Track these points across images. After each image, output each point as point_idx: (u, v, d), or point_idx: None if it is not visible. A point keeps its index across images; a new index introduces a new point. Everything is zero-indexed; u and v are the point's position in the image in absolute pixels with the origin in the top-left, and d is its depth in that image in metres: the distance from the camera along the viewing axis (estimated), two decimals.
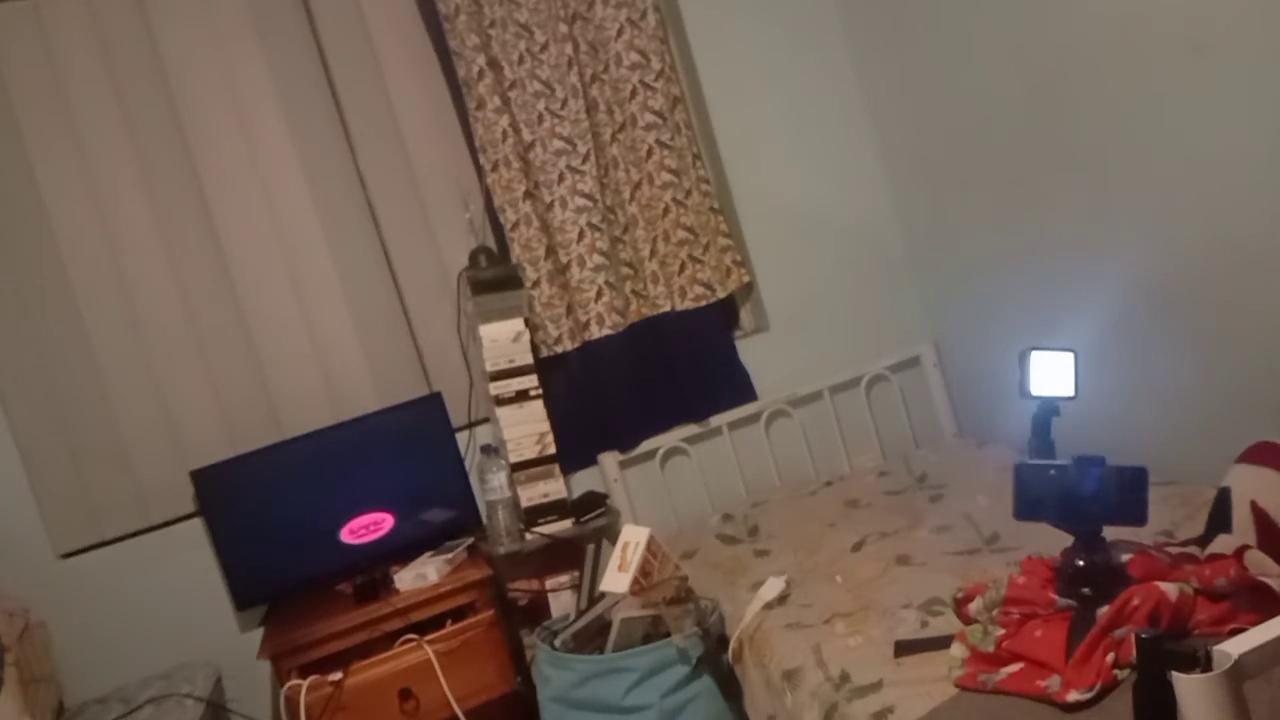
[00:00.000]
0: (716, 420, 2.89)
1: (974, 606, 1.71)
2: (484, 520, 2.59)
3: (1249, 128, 1.87)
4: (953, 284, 2.94)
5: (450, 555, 2.49)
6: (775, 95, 2.96)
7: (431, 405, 2.63)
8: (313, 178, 2.69)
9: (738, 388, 2.93)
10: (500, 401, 2.57)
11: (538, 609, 2.59)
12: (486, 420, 2.75)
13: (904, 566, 2.13)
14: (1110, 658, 1.43)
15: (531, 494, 2.57)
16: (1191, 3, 1.92)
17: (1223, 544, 1.64)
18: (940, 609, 1.85)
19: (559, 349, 2.73)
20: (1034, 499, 1.59)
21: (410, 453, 2.61)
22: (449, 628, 2.37)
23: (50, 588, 2.48)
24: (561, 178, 2.73)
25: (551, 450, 2.59)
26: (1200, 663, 0.96)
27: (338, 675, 2.28)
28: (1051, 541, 1.63)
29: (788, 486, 2.87)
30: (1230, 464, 1.74)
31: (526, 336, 2.60)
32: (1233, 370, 2.04)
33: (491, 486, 2.53)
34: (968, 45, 2.52)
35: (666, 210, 2.83)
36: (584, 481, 2.79)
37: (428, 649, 2.31)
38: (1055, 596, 1.58)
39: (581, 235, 2.74)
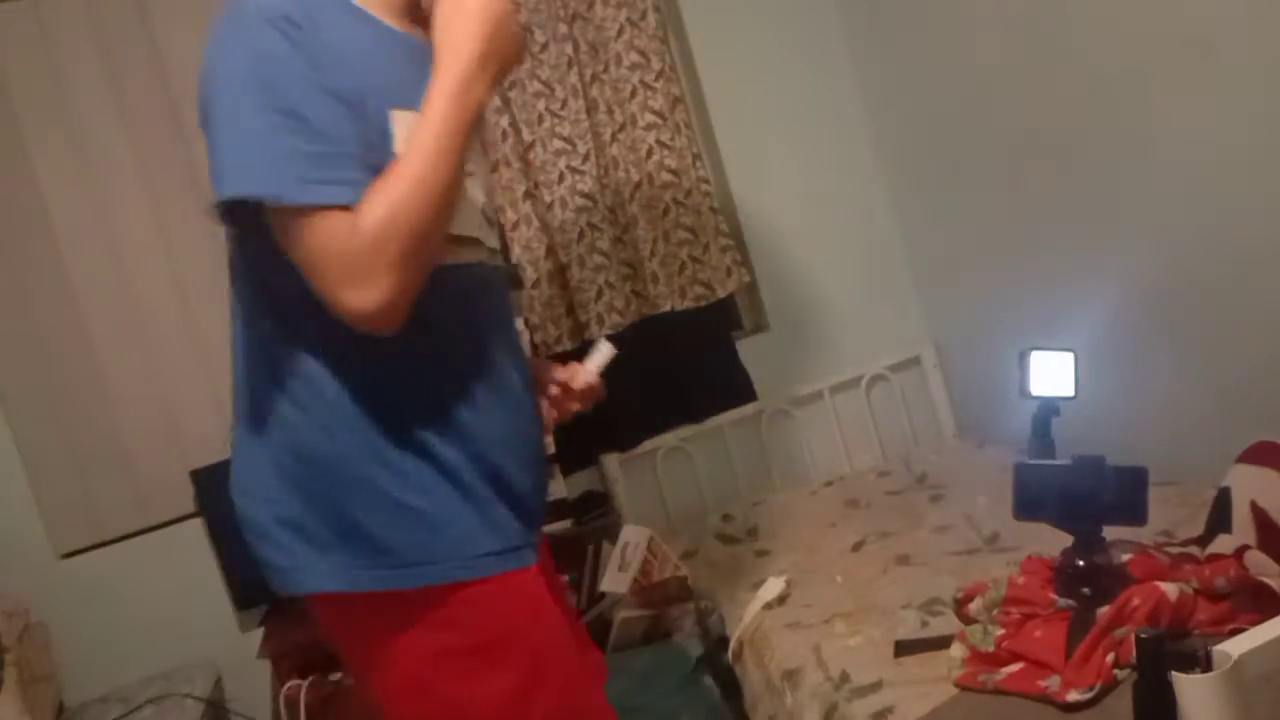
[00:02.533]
0: (716, 420, 2.89)
1: (974, 606, 1.71)
2: None
3: (1249, 128, 1.88)
4: (953, 284, 2.94)
5: None
6: (775, 95, 2.96)
7: None
8: None
9: (738, 388, 2.93)
10: None
11: None
12: None
13: (904, 566, 2.13)
14: (1110, 658, 1.43)
15: None
16: (1192, 3, 1.92)
17: (1223, 544, 1.64)
18: (940, 609, 1.85)
19: (559, 349, 2.73)
20: (1034, 499, 1.59)
21: None
22: None
23: (50, 588, 2.48)
24: (561, 178, 2.73)
25: (551, 450, 2.59)
26: (1200, 663, 0.96)
27: (338, 675, 2.28)
28: (1051, 541, 1.63)
29: (788, 486, 2.87)
30: (1230, 464, 1.74)
31: (526, 336, 2.60)
32: (1233, 370, 2.04)
33: None
34: (968, 45, 2.52)
35: (666, 210, 2.83)
36: (584, 481, 2.79)
37: None
38: (1055, 596, 1.58)
39: (581, 235, 2.74)
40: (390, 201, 1.01)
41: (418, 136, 1.04)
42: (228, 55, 1.04)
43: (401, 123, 1.09)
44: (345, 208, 1.01)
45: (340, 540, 1.15)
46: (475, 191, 1.23)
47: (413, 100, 1.08)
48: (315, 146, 1.02)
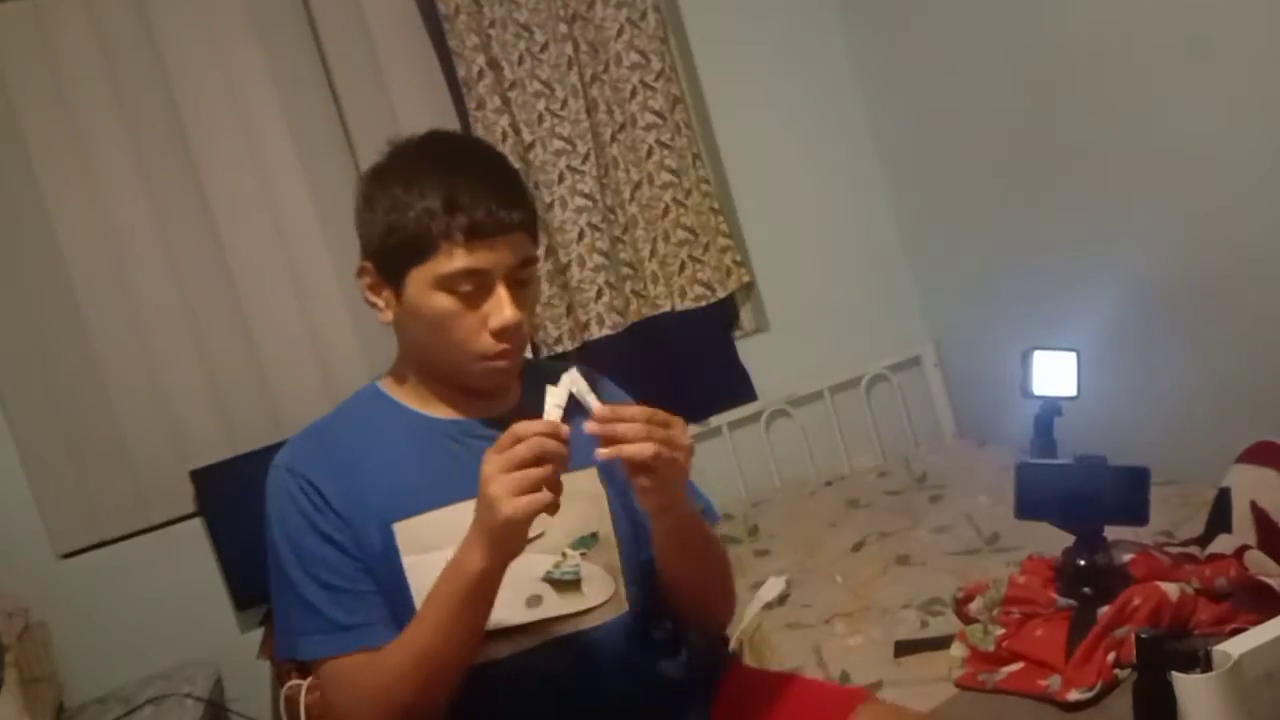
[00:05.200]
0: (716, 420, 2.89)
1: (974, 606, 1.71)
2: None
3: (1250, 128, 1.88)
4: (953, 284, 2.94)
5: None
6: (775, 95, 2.96)
7: None
8: (313, 178, 2.69)
9: (738, 388, 2.93)
10: None
11: None
12: None
13: (904, 566, 2.13)
14: (1111, 657, 1.43)
15: None
16: (1192, 3, 1.92)
17: (1223, 544, 1.65)
18: (940, 609, 1.85)
19: (559, 349, 2.73)
20: (1035, 499, 1.59)
21: None
22: None
23: (50, 588, 2.47)
24: (561, 178, 2.73)
25: None
26: (1200, 663, 0.96)
27: None
28: (1052, 541, 1.63)
29: (788, 486, 2.87)
30: (1230, 464, 1.74)
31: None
32: (1233, 370, 2.04)
33: None
34: (968, 45, 2.52)
35: (666, 210, 2.83)
36: None
37: None
38: (1056, 596, 1.58)
39: (581, 235, 2.74)
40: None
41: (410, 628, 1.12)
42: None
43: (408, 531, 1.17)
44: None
45: None
46: (532, 564, 1.18)
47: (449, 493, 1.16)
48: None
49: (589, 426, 1.06)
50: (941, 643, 1.69)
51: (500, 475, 1.01)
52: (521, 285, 1.16)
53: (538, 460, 1.01)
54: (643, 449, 1.03)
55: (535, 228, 1.20)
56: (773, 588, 2.14)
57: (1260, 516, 1.62)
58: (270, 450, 2.49)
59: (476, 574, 1.05)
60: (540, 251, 2.70)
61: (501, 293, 1.13)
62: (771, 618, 2.05)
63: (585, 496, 1.24)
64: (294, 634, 1.16)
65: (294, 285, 2.69)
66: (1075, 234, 2.35)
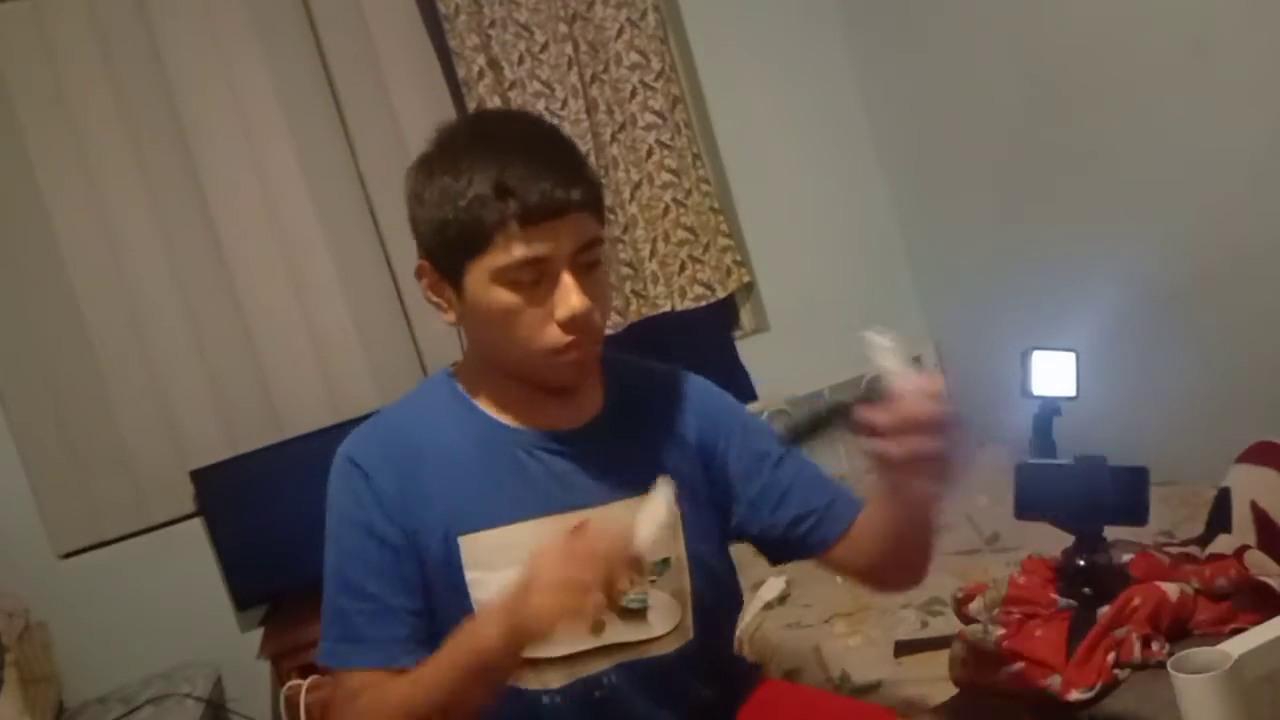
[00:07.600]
0: None
1: (974, 606, 1.71)
2: None
3: (1250, 128, 1.88)
4: (953, 284, 2.94)
5: None
6: (775, 95, 2.96)
7: None
8: (313, 178, 2.69)
9: (738, 388, 2.93)
10: None
11: None
12: None
13: None
14: (1111, 657, 1.43)
15: None
16: (1193, 3, 1.92)
17: (1223, 544, 1.64)
18: (940, 609, 1.85)
19: None
20: (1035, 499, 1.58)
21: None
22: None
23: (50, 588, 2.48)
24: None
25: None
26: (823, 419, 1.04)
27: None
28: (1052, 541, 1.63)
29: None
30: (1230, 464, 1.74)
31: None
32: (1233, 370, 2.04)
33: None
34: (969, 45, 2.52)
35: (666, 210, 2.83)
36: None
37: None
38: (1056, 596, 1.58)
39: None
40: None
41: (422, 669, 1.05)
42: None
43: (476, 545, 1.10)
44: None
45: None
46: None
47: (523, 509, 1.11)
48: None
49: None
50: (941, 643, 1.69)
51: (555, 565, 0.94)
52: (588, 269, 1.07)
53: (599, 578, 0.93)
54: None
55: (600, 204, 1.09)
56: (773, 588, 2.14)
57: (1260, 516, 1.62)
58: (270, 450, 2.54)
59: (487, 651, 0.98)
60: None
61: (567, 280, 1.04)
62: (771, 618, 2.05)
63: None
64: (323, 638, 1.11)
65: (294, 285, 2.69)
66: (1075, 234, 2.35)
